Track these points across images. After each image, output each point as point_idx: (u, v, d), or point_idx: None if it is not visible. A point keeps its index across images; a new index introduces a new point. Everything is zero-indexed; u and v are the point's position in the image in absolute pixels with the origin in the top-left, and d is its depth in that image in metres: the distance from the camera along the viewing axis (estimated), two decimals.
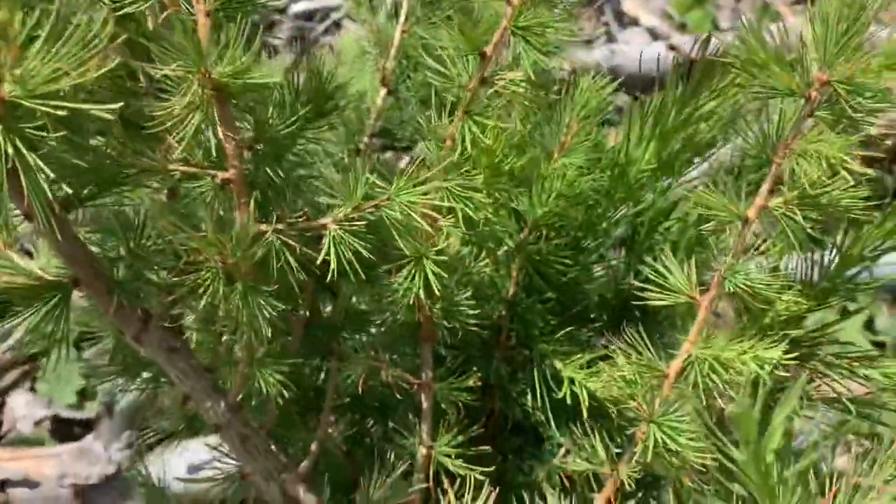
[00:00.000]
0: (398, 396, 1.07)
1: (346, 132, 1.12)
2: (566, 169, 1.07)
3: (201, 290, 0.74)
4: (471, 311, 1.02)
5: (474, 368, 1.08)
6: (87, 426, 2.23)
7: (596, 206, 1.11)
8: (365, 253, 0.80)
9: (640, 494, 1.03)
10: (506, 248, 1.11)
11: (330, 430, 1.31)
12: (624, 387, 0.99)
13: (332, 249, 0.80)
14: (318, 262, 0.80)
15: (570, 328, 1.11)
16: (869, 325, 2.35)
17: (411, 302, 0.96)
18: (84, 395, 2.49)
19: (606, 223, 1.12)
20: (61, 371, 2.58)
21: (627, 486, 0.96)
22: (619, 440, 1.03)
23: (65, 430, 2.24)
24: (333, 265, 0.79)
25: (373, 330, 1.10)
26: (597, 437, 1.00)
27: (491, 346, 1.21)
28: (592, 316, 1.18)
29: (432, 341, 1.07)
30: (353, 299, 1.12)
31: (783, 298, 0.93)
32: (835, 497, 0.84)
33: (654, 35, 3.49)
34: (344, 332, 1.07)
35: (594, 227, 1.13)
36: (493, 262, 1.11)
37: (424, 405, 1.07)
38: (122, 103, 0.63)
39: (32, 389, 2.47)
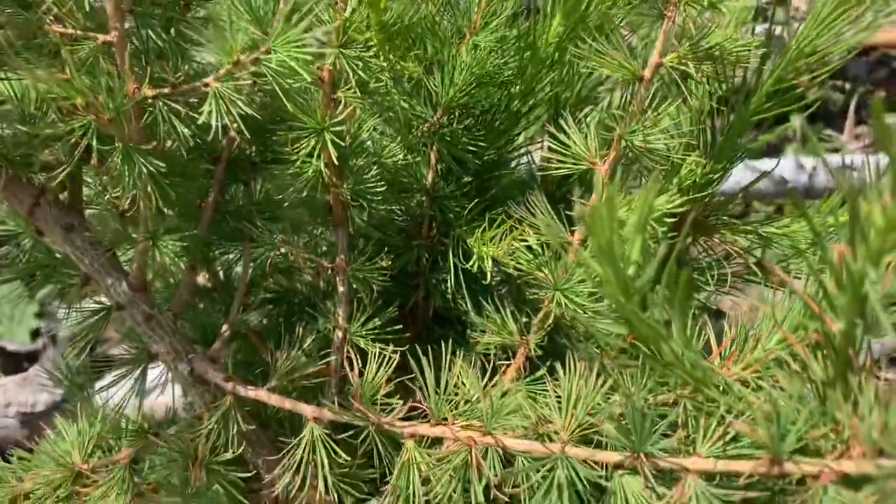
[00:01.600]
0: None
1: (254, 18, 1.10)
2: (477, 47, 1.06)
3: (72, 141, 0.72)
4: (379, 189, 1.01)
5: (386, 250, 1.07)
6: (36, 359, 2.22)
7: (509, 85, 1.10)
8: (249, 111, 0.79)
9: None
10: (420, 132, 1.10)
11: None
12: (531, 258, 0.99)
13: (215, 107, 0.78)
14: (200, 120, 0.78)
15: (485, 210, 1.11)
16: None
17: (317, 178, 0.96)
18: (38, 335, 2.48)
19: (521, 103, 1.11)
20: (14, 312, 2.56)
21: (533, 352, 0.96)
22: (532, 315, 1.03)
23: (14, 363, 2.23)
24: (215, 122, 0.78)
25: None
26: (506, 310, 1.01)
27: (413, 236, 1.21)
28: (511, 199, 1.17)
29: (345, 226, 1.07)
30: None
31: (685, 160, 0.93)
32: (731, 342, 0.85)
33: None
34: (255, 218, 1.06)
35: (509, 108, 1.12)
36: (404, 145, 1.10)
37: (340, 289, 1.06)
38: None
39: None
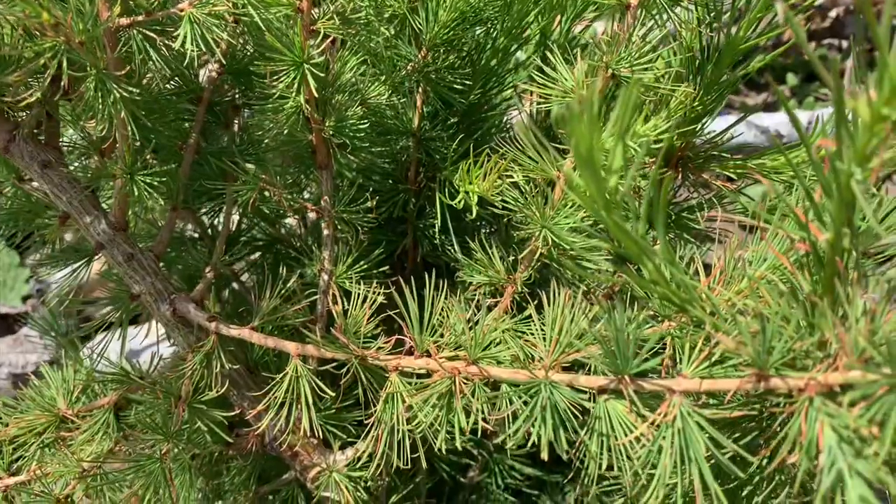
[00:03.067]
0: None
1: None
2: None
3: (42, 63, 0.70)
4: (362, 126, 0.99)
5: (371, 191, 1.06)
6: (26, 322, 2.21)
7: (495, 22, 1.08)
8: (225, 36, 0.77)
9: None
10: (404, 72, 1.08)
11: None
12: (518, 196, 0.97)
13: (190, 32, 0.76)
14: (177, 45, 0.76)
15: (470, 148, 1.09)
16: None
17: (297, 114, 0.94)
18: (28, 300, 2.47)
19: (507, 40, 1.09)
20: (6, 278, 2.55)
21: (520, 289, 0.95)
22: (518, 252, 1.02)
23: (5, 326, 2.22)
24: (191, 46, 0.76)
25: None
26: (493, 248, 0.99)
27: (399, 181, 1.19)
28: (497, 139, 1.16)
29: (330, 168, 1.05)
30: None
31: (674, 91, 0.91)
32: (720, 272, 0.84)
33: None
34: (237, 158, 1.04)
35: (495, 46, 1.10)
36: (389, 85, 1.08)
37: (325, 231, 1.05)
38: None
39: None
